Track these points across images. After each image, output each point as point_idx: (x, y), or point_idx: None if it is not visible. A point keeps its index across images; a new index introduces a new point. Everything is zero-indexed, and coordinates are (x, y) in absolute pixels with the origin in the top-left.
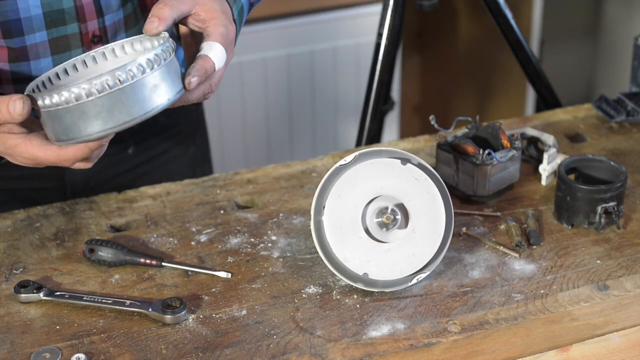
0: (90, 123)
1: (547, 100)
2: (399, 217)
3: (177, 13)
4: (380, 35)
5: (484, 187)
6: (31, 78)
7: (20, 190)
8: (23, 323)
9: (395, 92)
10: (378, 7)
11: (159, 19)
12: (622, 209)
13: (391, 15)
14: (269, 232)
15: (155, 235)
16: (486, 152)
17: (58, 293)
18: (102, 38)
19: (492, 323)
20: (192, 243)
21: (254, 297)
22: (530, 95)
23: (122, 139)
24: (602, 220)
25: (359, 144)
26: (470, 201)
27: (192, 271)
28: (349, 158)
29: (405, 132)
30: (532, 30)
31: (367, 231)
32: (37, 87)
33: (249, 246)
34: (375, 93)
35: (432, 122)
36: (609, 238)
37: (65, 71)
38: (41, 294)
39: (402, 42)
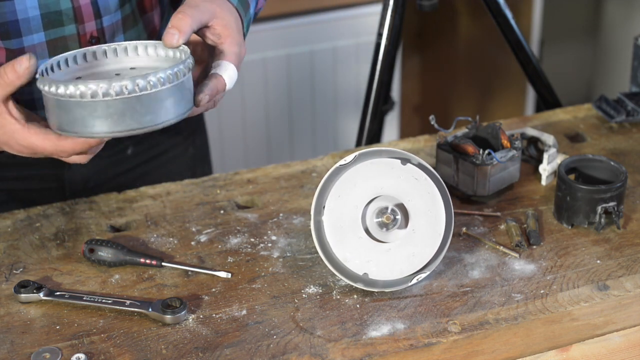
0: (99, 122)
1: (547, 100)
2: (399, 217)
3: (196, 24)
4: (380, 35)
5: (484, 187)
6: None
7: (19, 190)
8: (23, 323)
9: (395, 92)
10: (378, 7)
11: (179, 31)
12: (622, 209)
13: (391, 15)
14: (269, 232)
15: (155, 235)
16: (486, 152)
17: (58, 293)
18: (100, 39)
19: (492, 323)
20: (192, 243)
21: (254, 297)
22: (530, 95)
23: (121, 140)
24: (602, 220)
25: (359, 144)
26: (470, 201)
27: (192, 271)
28: (349, 158)
29: (405, 132)
30: (532, 30)
31: (367, 231)
32: (46, 70)
33: (249, 246)
34: (375, 93)
35: (432, 122)
36: (609, 238)
37: (75, 59)
38: (41, 294)
39: (402, 42)
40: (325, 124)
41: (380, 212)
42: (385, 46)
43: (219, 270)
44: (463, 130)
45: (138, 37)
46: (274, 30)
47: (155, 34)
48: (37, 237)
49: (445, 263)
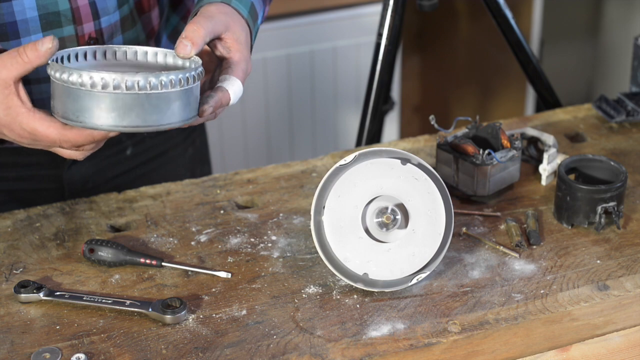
0: (106, 114)
1: (547, 100)
2: (399, 217)
3: (209, 36)
4: (380, 35)
5: (484, 187)
6: (27, 80)
7: (18, 191)
8: (23, 323)
9: (395, 92)
10: (378, 7)
11: (192, 43)
12: (622, 209)
13: (391, 15)
14: (269, 232)
15: (155, 235)
16: (486, 152)
17: (58, 293)
18: (98, 40)
19: (492, 323)
20: (192, 243)
21: (254, 297)
22: (530, 95)
23: (121, 140)
24: (602, 220)
25: (359, 144)
26: (470, 201)
27: (192, 271)
28: (349, 158)
29: (405, 132)
30: (532, 30)
31: (367, 231)
32: (57, 60)
33: (249, 246)
34: (375, 93)
35: (432, 122)
36: (609, 238)
37: (85, 55)
38: (41, 294)
39: (402, 42)
40: (325, 124)
41: (380, 212)
42: (385, 46)
43: (219, 270)
44: (463, 130)
45: (137, 38)
46: (274, 30)
47: (153, 34)
48: (37, 237)
49: (445, 263)
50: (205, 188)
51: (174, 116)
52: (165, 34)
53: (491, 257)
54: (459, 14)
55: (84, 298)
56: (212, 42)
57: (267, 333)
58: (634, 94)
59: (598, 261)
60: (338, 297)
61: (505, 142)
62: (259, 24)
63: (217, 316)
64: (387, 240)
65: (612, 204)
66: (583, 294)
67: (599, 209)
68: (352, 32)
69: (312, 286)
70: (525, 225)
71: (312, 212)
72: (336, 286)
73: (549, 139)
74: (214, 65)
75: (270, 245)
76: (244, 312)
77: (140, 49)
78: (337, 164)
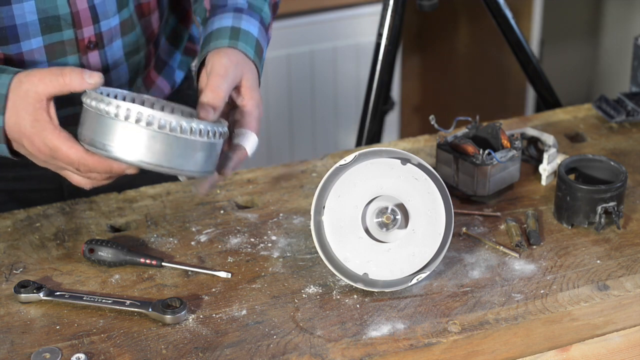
0: (133, 148)
1: (547, 100)
2: (399, 217)
3: (228, 94)
4: (380, 35)
5: (484, 187)
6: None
7: (17, 191)
8: (23, 323)
9: (395, 92)
10: (378, 7)
11: (214, 108)
12: (622, 209)
13: (391, 15)
14: (269, 232)
15: (155, 235)
16: (486, 152)
17: (58, 293)
18: (98, 44)
19: (492, 323)
20: (192, 243)
21: (254, 297)
22: (530, 95)
23: None
24: (602, 220)
25: (359, 144)
26: (470, 201)
27: (192, 271)
28: (349, 158)
29: (405, 132)
30: (532, 30)
31: (367, 231)
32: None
33: (249, 246)
34: (375, 93)
35: (432, 122)
36: (609, 238)
37: (116, 97)
38: (41, 294)
39: (402, 42)
40: (325, 124)
41: (380, 212)
42: (385, 46)
43: (219, 270)
44: (463, 130)
45: (136, 41)
46: (274, 30)
47: (153, 37)
48: (37, 237)
49: (445, 263)
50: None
51: (195, 165)
52: (164, 36)
53: (491, 257)
54: (459, 14)
55: (84, 298)
56: None
57: (267, 333)
58: (634, 94)
59: (598, 261)
60: (338, 297)
61: (505, 142)
62: (264, 57)
63: (217, 316)
64: (387, 240)
65: (612, 204)
66: (583, 294)
67: (599, 209)
68: (352, 32)
69: (312, 286)
70: (525, 225)
71: (312, 212)
72: (336, 286)
73: (549, 139)
74: (228, 109)
75: (270, 245)
76: (244, 312)
77: (171, 106)
78: (337, 164)
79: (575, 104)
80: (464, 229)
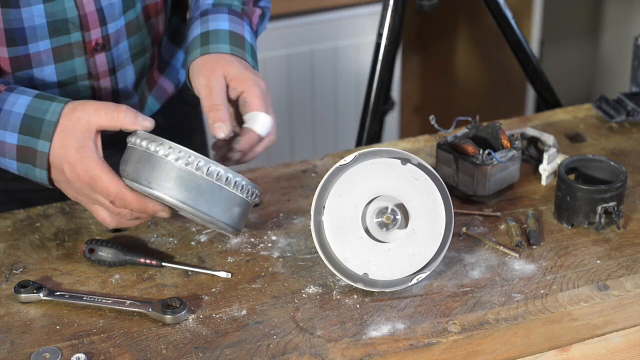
0: (176, 187)
1: (547, 100)
2: (399, 217)
3: (225, 99)
4: (380, 35)
5: (484, 187)
6: (34, 85)
7: (18, 191)
8: (23, 323)
9: (395, 92)
10: (378, 7)
11: (223, 122)
12: (622, 209)
13: (391, 15)
14: (269, 232)
15: (155, 235)
16: (486, 152)
17: (58, 293)
18: (105, 46)
19: (492, 323)
20: (192, 243)
21: (254, 297)
22: (530, 95)
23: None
24: (602, 220)
25: (359, 144)
26: (470, 201)
27: (192, 271)
28: (349, 158)
29: (405, 132)
30: (532, 30)
31: (367, 231)
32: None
33: (249, 246)
34: (375, 93)
35: (432, 122)
36: (609, 238)
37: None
38: (41, 294)
39: (402, 42)
40: (325, 124)
41: (380, 212)
42: (385, 46)
43: (219, 270)
44: (463, 130)
45: (142, 43)
46: (274, 30)
47: (158, 38)
48: (37, 237)
49: (445, 263)
50: None
51: (230, 219)
52: (167, 36)
53: (491, 257)
54: (459, 14)
55: (84, 298)
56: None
57: (267, 333)
58: (634, 94)
59: (598, 261)
60: (338, 297)
61: (505, 142)
62: (250, 39)
63: (217, 316)
64: (387, 240)
65: (612, 204)
66: (583, 294)
67: (599, 209)
68: (352, 32)
69: (312, 286)
70: (525, 225)
71: (312, 212)
72: (336, 286)
73: (549, 139)
74: (233, 102)
75: (270, 245)
76: (244, 312)
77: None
78: (337, 164)
79: (575, 104)
80: (464, 229)
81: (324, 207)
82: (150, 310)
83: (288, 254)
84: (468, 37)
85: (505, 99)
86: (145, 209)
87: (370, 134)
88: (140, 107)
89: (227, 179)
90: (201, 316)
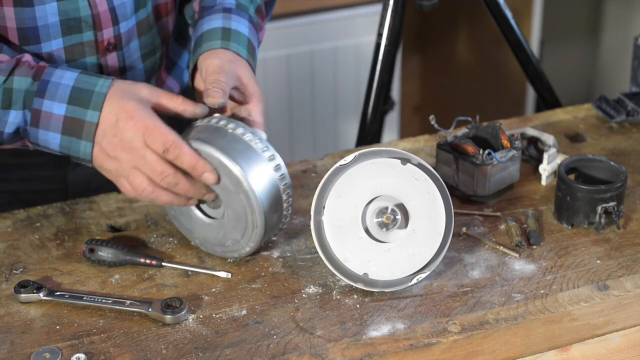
0: (238, 158)
1: (547, 100)
2: (399, 217)
3: (230, 87)
4: (380, 35)
5: (484, 187)
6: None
7: (21, 192)
8: (23, 323)
9: (395, 92)
10: (378, 7)
11: (222, 90)
12: (622, 209)
13: (391, 15)
14: None
15: (155, 235)
16: (486, 152)
17: (58, 293)
18: (116, 45)
19: (492, 323)
20: (192, 243)
21: (254, 297)
22: (530, 95)
23: None
24: (602, 220)
25: (359, 144)
26: (470, 201)
27: (192, 271)
28: (349, 158)
29: (405, 132)
30: (532, 30)
31: (367, 231)
32: None
33: None
34: (375, 93)
35: (432, 122)
36: (609, 238)
37: None
38: (41, 294)
39: (402, 42)
40: (325, 124)
41: (380, 212)
42: (385, 46)
43: (219, 270)
44: (463, 130)
45: (152, 42)
46: (274, 30)
47: (167, 38)
48: (37, 237)
49: (445, 263)
50: None
51: (268, 221)
52: (172, 36)
53: (491, 257)
54: (459, 14)
55: (84, 298)
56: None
57: (267, 333)
58: (634, 94)
59: (598, 261)
60: (338, 297)
61: (505, 142)
62: (257, 55)
63: (217, 316)
64: (387, 240)
65: (612, 204)
66: (583, 294)
67: (599, 209)
68: (352, 32)
69: (312, 286)
70: (525, 225)
71: (312, 212)
72: (336, 286)
73: (549, 139)
74: (231, 108)
75: (270, 245)
76: (244, 312)
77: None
78: (337, 164)
79: (575, 104)
80: (464, 229)
81: (324, 207)
82: (150, 310)
83: (288, 254)
84: (468, 37)
85: (505, 99)
86: (194, 163)
87: (370, 134)
88: None
89: (285, 178)
90: (201, 316)
